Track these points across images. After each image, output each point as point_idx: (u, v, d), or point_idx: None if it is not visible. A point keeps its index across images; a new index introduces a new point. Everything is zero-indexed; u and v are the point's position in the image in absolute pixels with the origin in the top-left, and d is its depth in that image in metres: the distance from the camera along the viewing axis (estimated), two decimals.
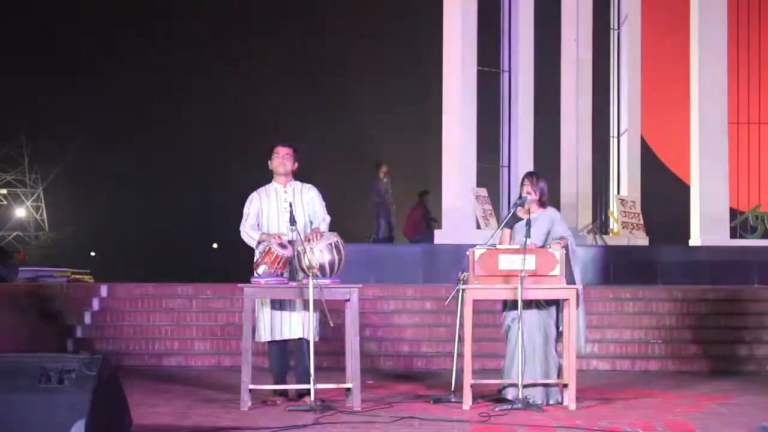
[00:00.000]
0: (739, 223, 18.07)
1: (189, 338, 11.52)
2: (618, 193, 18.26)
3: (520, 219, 8.01)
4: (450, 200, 16.85)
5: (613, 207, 18.04)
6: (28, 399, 5.07)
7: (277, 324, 7.91)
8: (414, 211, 19.65)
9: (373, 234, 19.36)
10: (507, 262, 7.60)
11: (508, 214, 8.25)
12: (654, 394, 8.77)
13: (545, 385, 7.89)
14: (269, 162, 8.18)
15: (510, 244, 8.02)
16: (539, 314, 7.94)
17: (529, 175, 8.25)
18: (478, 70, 17.19)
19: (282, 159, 8.11)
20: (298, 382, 7.95)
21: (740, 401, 8.43)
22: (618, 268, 15.57)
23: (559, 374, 7.90)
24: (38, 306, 12.09)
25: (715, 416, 7.58)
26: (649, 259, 16.07)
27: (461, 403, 7.66)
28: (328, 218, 8.10)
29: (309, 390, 7.50)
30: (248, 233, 8.01)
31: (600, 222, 18.13)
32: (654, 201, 18.63)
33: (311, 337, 7.56)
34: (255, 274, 7.68)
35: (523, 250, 7.56)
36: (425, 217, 19.44)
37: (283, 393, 8.01)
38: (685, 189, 18.19)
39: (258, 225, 8.04)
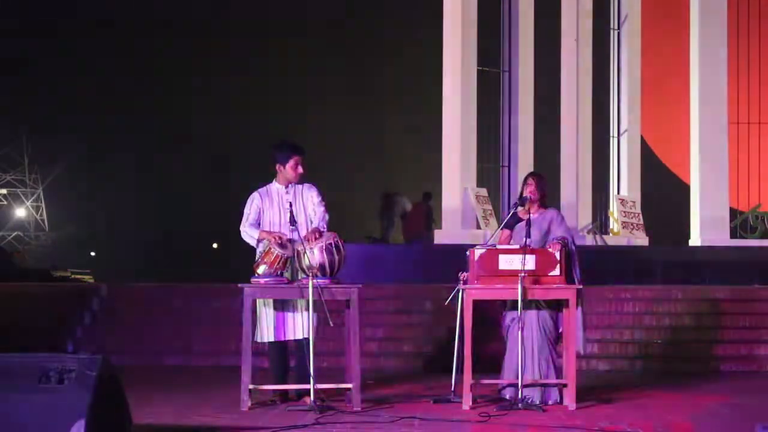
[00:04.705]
0: (739, 223, 18.07)
1: (189, 338, 11.52)
2: (618, 193, 18.25)
3: (521, 219, 8.01)
4: (450, 200, 16.84)
5: (613, 207, 18.03)
6: (28, 399, 5.07)
7: (278, 324, 7.90)
8: (414, 212, 19.60)
9: (374, 234, 19.33)
10: (507, 262, 7.59)
11: (509, 215, 8.25)
12: (654, 394, 8.77)
13: (545, 385, 7.89)
14: (280, 165, 8.06)
15: (510, 244, 8.01)
16: (539, 314, 7.93)
17: (530, 175, 8.26)
18: (478, 70, 17.19)
19: (300, 168, 8.05)
20: (298, 382, 7.94)
21: (740, 401, 8.42)
22: (618, 268, 15.54)
23: (559, 374, 7.89)
24: (39, 306, 12.10)
25: (715, 416, 7.58)
26: (649, 259, 16.05)
27: (461, 403, 7.66)
28: (326, 216, 8.07)
29: (309, 390, 7.50)
30: (248, 232, 8.00)
31: (600, 222, 18.11)
32: (654, 201, 18.63)
33: (311, 336, 7.56)
34: (255, 274, 7.68)
35: (523, 250, 7.56)
36: (427, 219, 19.38)
37: (283, 393, 8.00)
38: (685, 189, 18.19)
39: (258, 224, 8.03)
